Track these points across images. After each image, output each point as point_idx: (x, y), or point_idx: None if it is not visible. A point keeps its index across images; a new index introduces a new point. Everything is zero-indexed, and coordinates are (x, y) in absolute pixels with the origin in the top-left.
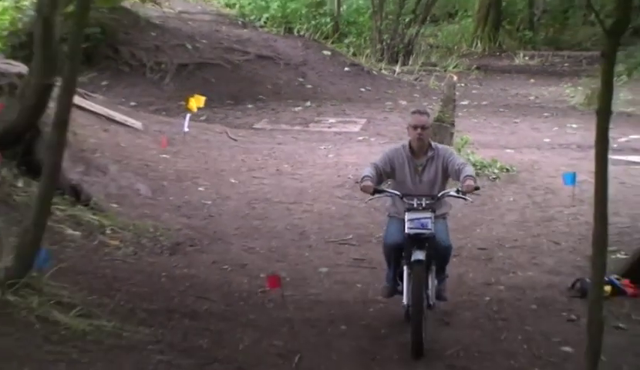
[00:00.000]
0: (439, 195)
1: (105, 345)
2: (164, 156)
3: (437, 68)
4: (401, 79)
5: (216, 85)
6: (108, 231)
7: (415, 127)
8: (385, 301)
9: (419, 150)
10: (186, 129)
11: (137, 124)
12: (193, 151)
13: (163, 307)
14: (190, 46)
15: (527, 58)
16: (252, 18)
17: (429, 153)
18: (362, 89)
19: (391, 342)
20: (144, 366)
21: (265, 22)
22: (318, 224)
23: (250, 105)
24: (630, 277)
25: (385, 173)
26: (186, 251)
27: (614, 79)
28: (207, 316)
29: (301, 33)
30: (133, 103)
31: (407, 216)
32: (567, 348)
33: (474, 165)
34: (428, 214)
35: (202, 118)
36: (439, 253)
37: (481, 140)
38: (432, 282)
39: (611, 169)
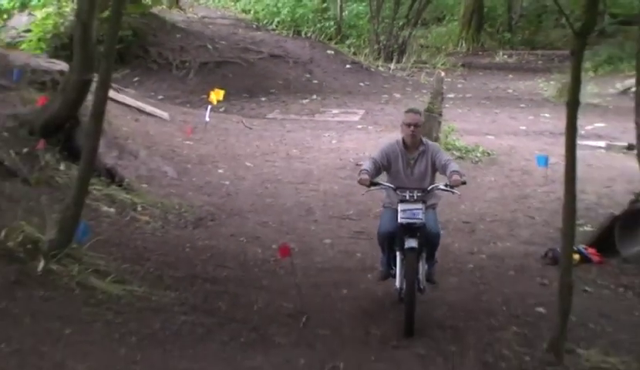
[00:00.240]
0: (429, 188)
1: (136, 307)
2: (188, 142)
3: (427, 66)
4: (395, 75)
5: (233, 81)
6: (139, 208)
7: (408, 125)
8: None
9: (411, 145)
10: (207, 119)
11: (164, 115)
12: (214, 138)
13: (187, 273)
14: (210, 47)
15: (505, 56)
16: (265, 22)
17: (421, 148)
18: (361, 84)
19: (387, 303)
20: (170, 325)
21: (276, 26)
22: (322, 202)
23: (263, 98)
24: (596, 247)
25: (383, 167)
26: (208, 225)
27: (582, 74)
28: (225, 281)
29: (308, 35)
30: (160, 97)
31: (400, 207)
32: (540, 309)
33: (459, 149)
34: (419, 205)
35: (221, 109)
36: (429, 241)
37: (465, 128)
38: (422, 267)
39: (579, 153)
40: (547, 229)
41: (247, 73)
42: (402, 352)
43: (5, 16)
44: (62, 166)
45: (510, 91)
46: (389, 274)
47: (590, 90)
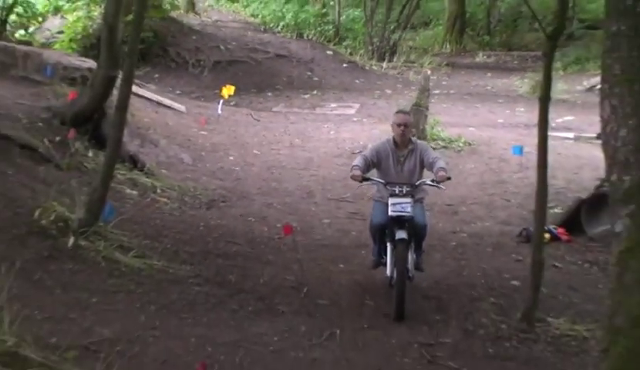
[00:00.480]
0: (416, 183)
1: (155, 279)
2: (202, 132)
3: (415, 65)
4: (387, 73)
5: (243, 78)
6: (158, 191)
7: (399, 125)
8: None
9: (401, 144)
10: (219, 112)
11: (181, 108)
12: (225, 129)
13: (201, 249)
14: (223, 47)
15: (485, 57)
16: (271, 25)
17: (410, 146)
18: (357, 81)
19: (379, 278)
20: (186, 295)
21: (281, 29)
22: (321, 185)
23: (269, 93)
24: (564, 227)
25: (372, 164)
26: (219, 206)
27: (553, 73)
28: (235, 256)
29: (310, 37)
30: (178, 92)
31: (390, 201)
32: (515, 282)
33: (444, 140)
34: (408, 199)
35: (232, 103)
36: (417, 232)
37: (449, 121)
38: (411, 257)
39: (550, 143)
40: (521, 211)
41: (255, 71)
42: (392, 321)
43: (40, 19)
44: (90, 153)
45: (489, 88)
46: (380, 263)
47: (560, 87)
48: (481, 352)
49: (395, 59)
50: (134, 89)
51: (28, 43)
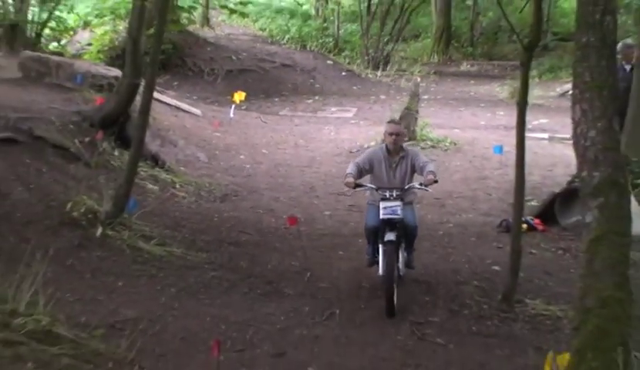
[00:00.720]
0: (406, 187)
1: (175, 265)
2: (216, 134)
3: (406, 73)
4: (381, 80)
5: (252, 85)
6: (177, 186)
7: (391, 134)
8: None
9: (393, 151)
10: (231, 115)
11: (197, 112)
12: (237, 130)
13: (215, 238)
14: (234, 57)
15: (468, 66)
16: (278, 38)
17: (401, 153)
18: (354, 87)
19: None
20: (202, 279)
21: (287, 41)
22: (323, 181)
23: (276, 99)
24: (540, 218)
25: (365, 170)
26: (232, 200)
27: (529, 80)
28: (245, 244)
29: (312, 48)
30: (194, 97)
31: (381, 204)
32: (496, 267)
33: (432, 140)
34: (398, 203)
35: (243, 107)
36: (408, 233)
37: (437, 123)
38: (402, 256)
39: (527, 143)
40: (501, 204)
41: (263, 79)
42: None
43: (71, 32)
44: (116, 153)
45: (472, 93)
46: (374, 262)
47: (535, 93)
48: (466, 330)
49: (388, 68)
50: (155, 95)
51: (60, 54)
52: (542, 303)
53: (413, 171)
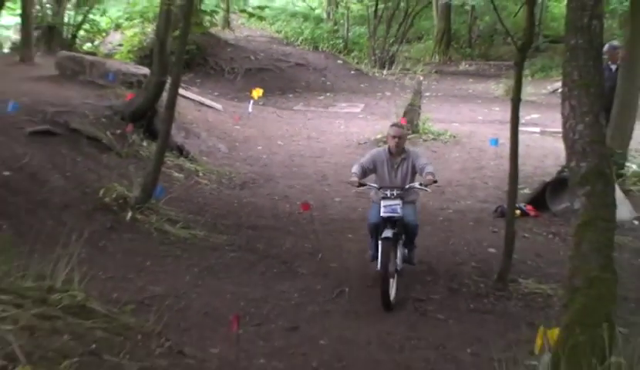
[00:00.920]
0: (406, 187)
1: (198, 246)
2: (236, 127)
3: (410, 72)
4: (387, 79)
5: (269, 82)
6: (200, 174)
7: (393, 137)
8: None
9: (396, 153)
10: (250, 110)
11: (219, 107)
12: (255, 124)
13: (235, 222)
14: (253, 57)
15: (467, 65)
16: (292, 39)
17: (403, 155)
18: (362, 85)
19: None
20: (223, 260)
21: (300, 42)
22: (334, 170)
23: (291, 95)
24: (532, 205)
25: (369, 170)
26: (250, 187)
27: (522, 78)
28: (262, 228)
29: (324, 49)
30: (216, 93)
31: (382, 203)
32: (492, 249)
33: (433, 133)
34: (397, 202)
35: (260, 103)
36: (408, 231)
37: (437, 117)
38: (400, 252)
39: (520, 137)
40: (496, 191)
41: (279, 77)
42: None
43: (104, 34)
44: (144, 144)
45: (470, 91)
46: (376, 256)
47: (528, 90)
48: (464, 307)
49: (393, 67)
50: (180, 91)
51: (93, 54)
52: (534, 282)
53: (414, 172)
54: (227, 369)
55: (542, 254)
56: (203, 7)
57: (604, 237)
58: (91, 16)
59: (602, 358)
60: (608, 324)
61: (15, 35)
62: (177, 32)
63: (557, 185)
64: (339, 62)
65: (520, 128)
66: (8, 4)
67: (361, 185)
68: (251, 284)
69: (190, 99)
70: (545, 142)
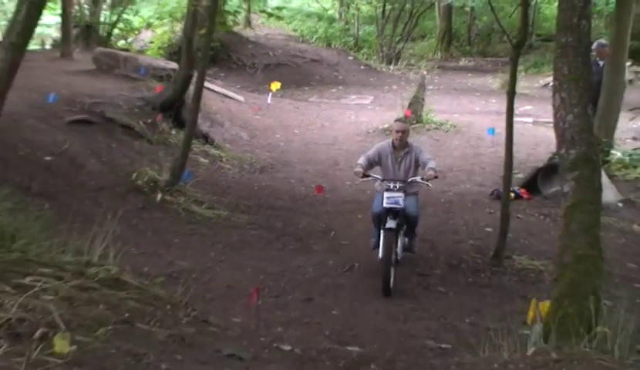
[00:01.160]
0: (408, 180)
1: (221, 225)
2: (256, 117)
3: (414, 67)
4: (393, 73)
5: (286, 76)
6: (223, 160)
7: (397, 131)
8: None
9: (399, 147)
10: (269, 102)
11: (241, 98)
12: (273, 114)
13: (255, 203)
14: (271, 54)
15: (466, 61)
16: (307, 37)
17: (406, 149)
18: (371, 79)
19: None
20: (244, 237)
21: (315, 40)
22: (345, 156)
23: (306, 88)
24: (525, 188)
25: (374, 162)
26: (269, 171)
27: (517, 73)
28: (280, 208)
29: (336, 46)
30: (238, 86)
31: (385, 194)
32: (489, 229)
33: (435, 123)
34: (400, 194)
35: (278, 95)
36: (409, 221)
37: (439, 109)
38: (401, 242)
39: (515, 126)
40: (493, 176)
41: (295, 71)
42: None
43: (136, 32)
44: (173, 132)
45: (469, 84)
46: (379, 244)
47: (522, 84)
48: (463, 281)
49: (399, 63)
50: (205, 84)
51: (127, 50)
52: (527, 259)
53: (417, 165)
54: (247, 336)
55: (534, 234)
56: (226, 7)
57: (592, 218)
58: (125, 16)
59: (589, 327)
60: (595, 297)
61: (55, 33)
62: (203, 31)
63: (549, 170)
64: (350, 58)
65: (515, 118)
66: (49, 4)
67: (365, 176)
68: (270, 259)
69: (215, 92)
70: (537, 131)
